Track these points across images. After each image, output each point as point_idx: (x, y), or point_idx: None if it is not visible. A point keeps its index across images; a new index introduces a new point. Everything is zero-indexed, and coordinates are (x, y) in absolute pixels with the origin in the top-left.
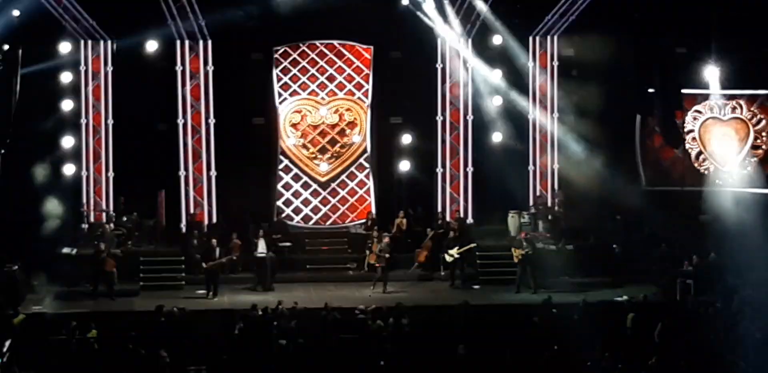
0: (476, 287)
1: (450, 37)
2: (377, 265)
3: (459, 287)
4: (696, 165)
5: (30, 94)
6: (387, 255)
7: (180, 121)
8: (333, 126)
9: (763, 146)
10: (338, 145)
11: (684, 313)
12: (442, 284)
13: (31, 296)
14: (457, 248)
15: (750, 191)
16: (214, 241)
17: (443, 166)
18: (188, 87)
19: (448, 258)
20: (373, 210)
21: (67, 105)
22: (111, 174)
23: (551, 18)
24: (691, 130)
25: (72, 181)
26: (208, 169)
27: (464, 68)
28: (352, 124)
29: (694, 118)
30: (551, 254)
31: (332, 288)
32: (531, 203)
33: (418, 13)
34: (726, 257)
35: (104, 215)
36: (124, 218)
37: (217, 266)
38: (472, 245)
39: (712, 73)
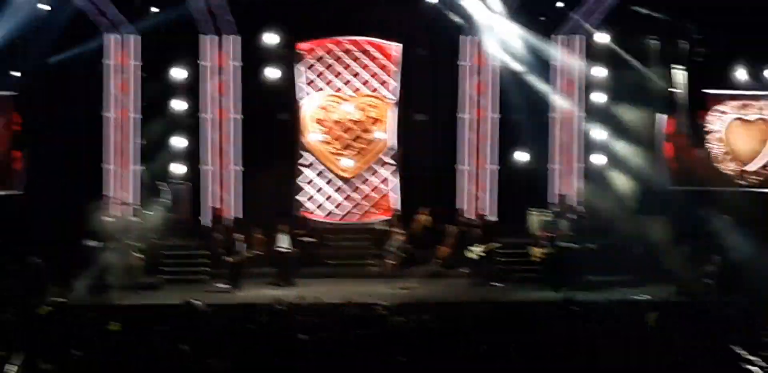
0: (497, 284)
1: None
2: (391, 262)
3: (479, 284)
4: (719, 165)
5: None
6: (402, 253)
7: (206, 116)
8: (357, 122)
9: None
10: (362, 141)
11: (706, 313)
12: (463, 281)
13: (53, 288)
14: (481, 246)
15: None
16: (238, 235)
17: (467, 163)
18: (214, 81)
19: (469, 255)
20: (399, 207)
21: (90, 97)
22: (137, 167)
23: (576, 16)
24: (716, 131)
25: (96, 174)
26: (233, 163)
27: (491, 66)
28: (376, 121)
29: (719, 118)
30: (573, 253)
31: (353, 284)
32: (553, 201)
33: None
34: (749, 258)
35: (129, 208)
36: (150, 212)
37: (240, 259)
38: (496, 245)
39: (737, 73)
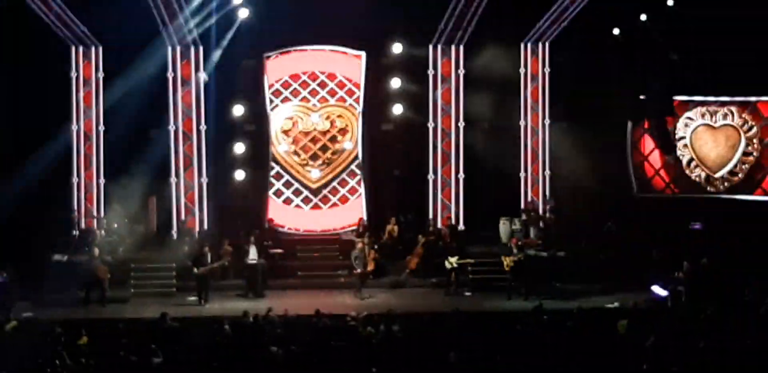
0: (468, 293)
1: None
2: (354, 271)
3: (451, 293)
4: (687, 172)
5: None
6: (366, 259)
7: (171, 128)
8: (324, 133)
9: (755, 153)
10: (329, 151)
11: (676, 320)
12: (433, 291)
13: (21, 303)
14: (457, 257)
15: (741, 198)
16: (205, 247)
17: (435, 172)
18: (180, 93)
19: (447, 265)
20: (365, 217)
21: (55, 110)
22: (102, 181)
23: (543, 25)
24: (683, 137)
25: (63, 187)
26: (200, 175)
27: (455, 74)
28: (343, 131)
29: (686, 125)
30: (542, 261)
31: (323, 295)
32: (522, 209)
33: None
34: (718, 264)
35: (95, 221)
36: (115, 225)
37: (208, 271)
38: (471, 261)
39: (703, 79)
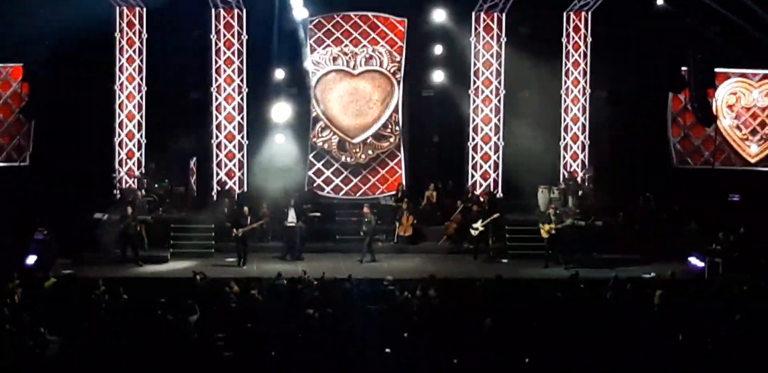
0: (504, 261)
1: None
2: (364, 236)
3: (486, 260)
4: (732, 144)
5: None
6: (374, 226)
7: (213, 89)
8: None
9: None
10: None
11: (712, 291)
12: (471, 257)
13: (61, 260)
14: (480, 220)
15: None
16: (245, 208)
17: (474, 139)
18: (222, 55)
19: (473, 232)
20: (404, 182)
21: (98, 71)
22: (143, 141)
23: None
24: (723, 108)
25: (104, 147)
26: (241, 137)
27: (497, 42)
28: (385, 97)
29: (726, 96)
30: (580, 230)
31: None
32: (561, 178)
33: None
34: (755, 236)
35: (136, 181)
36: (156, 185)
37: (247, 232)
38: (495, 215)
39: (746, 51)
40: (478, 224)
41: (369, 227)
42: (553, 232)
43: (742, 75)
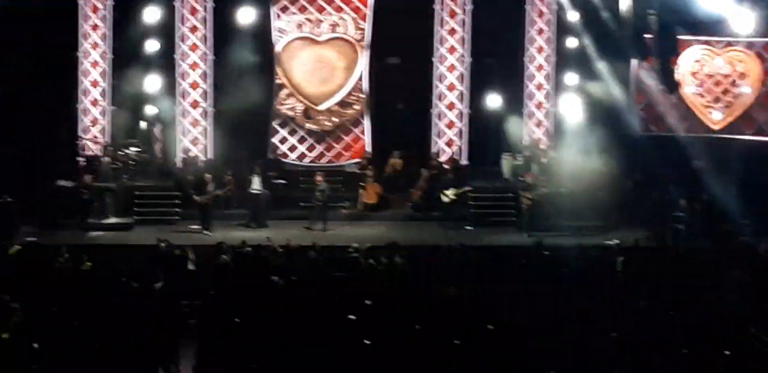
0: (468, 228)
1: None
2: (317, 203)
3: (452, 227)
4: (695, 111)
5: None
6: (326, 196)
7: (177, 56)
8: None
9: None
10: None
11: (674, 258)
12: (435, 225)
13: (25, 228)
14: (453, 189)
15: (744, 138)
16: (208, 176)
17: (438, 106)
18: (188, 23)
19: (444, 199)
20: (368, 149)
21: (61, 38)
22: (108, 107)
23: None
24: (685, 75)
25: (68, 113)
26: (206, 104)
27: (462, 9)
28: (350, 64)
29: (689, 63)
30: (545, 197)
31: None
32: (525, 145)
33: None
34: (718, 204)
35: (101, 148)
36: (121, 152)
37: (210, 199)
38: (468, 188)
39: (710, 18)
40: (450, 193)
41: (323, 195)
42: (534, 200)
43: (706, 42)
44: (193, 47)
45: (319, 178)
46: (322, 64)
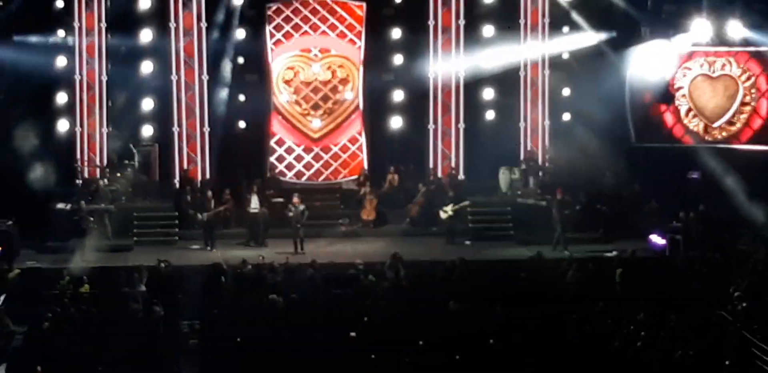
0: (467, 242)
1: None
2: (297, 225)
3: (451, 242)
4: (686, 121)
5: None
6: (300, 214)
7: (173, 78)
8: (326, 83)
9: (752, 103)
10: (330, 101)
11: (673, 268)
12: (434, 240)
13: (25, 251)
14: (451, 205)
15: (738, 148)
16: (209, 192)
17: (435, 122)
18: (182, 43)
19: (443, 215)
20: (366, 166)
21: (60, 61)
22: (105, 130)
23: None
24: (681, 87)
25: (66, 137)
26: (202, 125)
27: (455, 24)
28: (344, 81)
29: (684, 75)
30: (541, 210)
31: (324, 244)
32: (522, 158)
33: None
34: (715, 213)
35: (98, 170)
36: (118, 174)
37: (213, 216)
38: (466, 203)
39: (702, 28)
40: (449, 208)
41: (296, 215)
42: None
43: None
44: (188, 67)
45: (296, 199)
46: (318, 83)
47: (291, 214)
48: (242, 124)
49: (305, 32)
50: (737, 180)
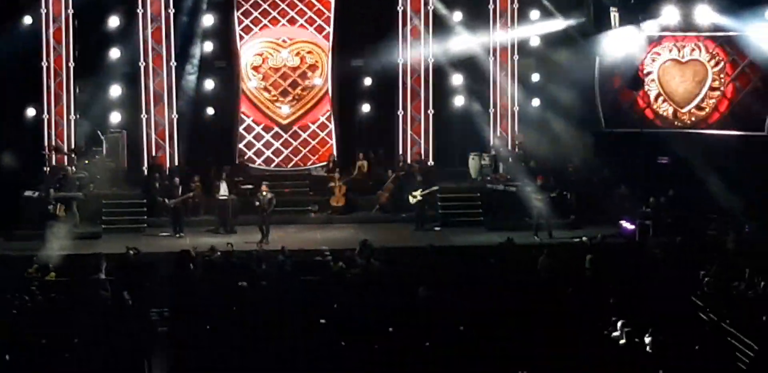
0: (437, 228)
1: None
2: (264, 214)
3: (420, 229)
4: (655, 107)
5: None
6: (266, 202)
7: (142, 64)
8: (294, 69)
9: (721, 88)
10: (299, 88)
11: (642, 253)
12: (404, 226)
13: None
14: (420, 190)
15: (707, 132)
16: (176, 179)
17: (404, 108)
18: (150, 30)
19: (411, 200)
20: (335, 153)
21: (27, 48)
22: (73, 117)
23: None
24: (650, 72)
25: (33, 124)
26: (170, 111)
27: (425, 11)
28: (313, 67)
29: (653, 60)
30: (511, 196)
31: (294, 230)
32: (491, 144)
33: None
34: (685, 198)
35: (66, 158)
36: (86, 161)
37: (181, 202)
38: (435, 188)
39: (671, 14)
40: (417, 193)
41: (262, 203)
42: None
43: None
44: (156, 54)
45: (263, 187)
46: (288, 69)
47: (258, 203)
48: (211, 110)
49: (274, 18)
50: (706, 165)
